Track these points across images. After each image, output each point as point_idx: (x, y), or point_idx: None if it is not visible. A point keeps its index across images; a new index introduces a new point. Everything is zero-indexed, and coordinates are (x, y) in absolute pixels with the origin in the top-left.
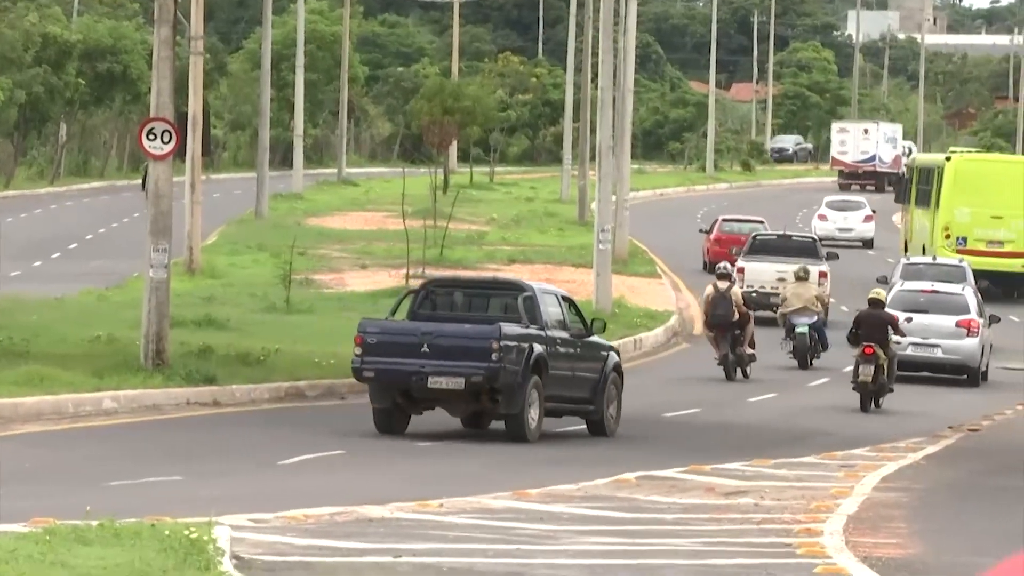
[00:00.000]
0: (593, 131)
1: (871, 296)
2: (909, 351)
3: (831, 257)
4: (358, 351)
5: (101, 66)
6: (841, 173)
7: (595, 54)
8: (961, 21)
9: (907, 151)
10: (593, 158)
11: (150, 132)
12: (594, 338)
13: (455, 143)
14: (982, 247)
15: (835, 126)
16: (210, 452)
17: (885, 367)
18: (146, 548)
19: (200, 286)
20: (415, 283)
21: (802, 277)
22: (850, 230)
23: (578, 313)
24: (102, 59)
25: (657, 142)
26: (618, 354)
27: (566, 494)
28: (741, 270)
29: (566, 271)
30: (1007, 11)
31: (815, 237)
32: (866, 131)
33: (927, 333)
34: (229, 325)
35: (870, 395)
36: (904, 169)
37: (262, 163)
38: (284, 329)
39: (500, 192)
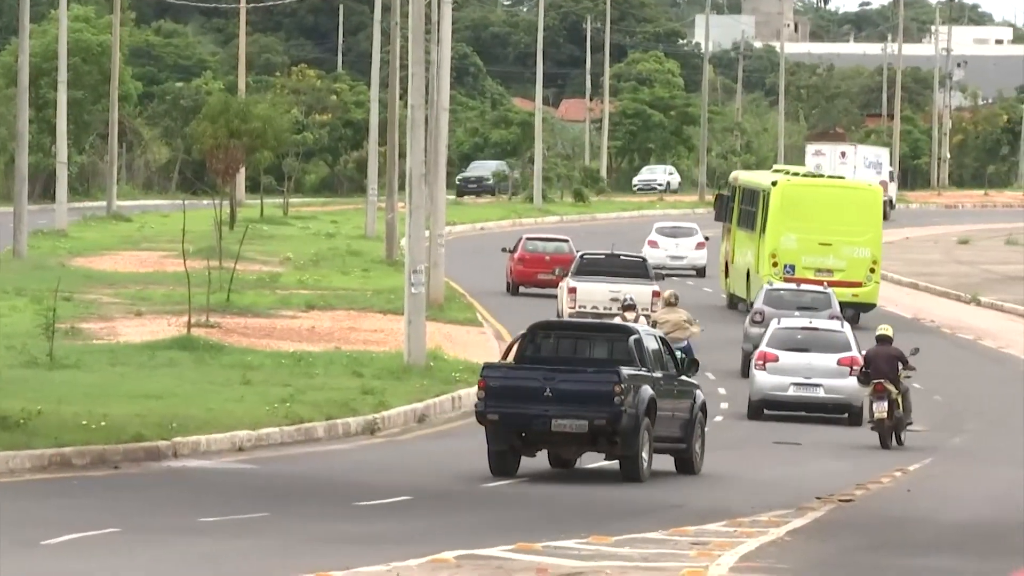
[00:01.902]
0: (402, 156)
1: (879, 333)
2: (790, 391)
3: (659, 277)
4: (481, 395)
5: None
6: None
7: (404, 67)
8: (826, 27)
9: (892, 177)
10: (403, 187)
11: None
12: (683, 376)
13: (243, 171)
14: (810, 275)
15: (810, 148)
16: None
17: (899, 402)
18: None
19: None
20: (198, 332)
21: (672, 303)
22: (682, 258)
23: (670, 353)
24: None
25: None
26: (702, 391)
27: None
28: (573, 290)
29: (372, 318)
30: (878, 15)
31: (644, 256)
32: (843, 154)
33: (809, 372)
34: None
35: (889, 432)
36: (731, 186)
37: (20, 195)
38: (47, 387)
39: (296, 227)
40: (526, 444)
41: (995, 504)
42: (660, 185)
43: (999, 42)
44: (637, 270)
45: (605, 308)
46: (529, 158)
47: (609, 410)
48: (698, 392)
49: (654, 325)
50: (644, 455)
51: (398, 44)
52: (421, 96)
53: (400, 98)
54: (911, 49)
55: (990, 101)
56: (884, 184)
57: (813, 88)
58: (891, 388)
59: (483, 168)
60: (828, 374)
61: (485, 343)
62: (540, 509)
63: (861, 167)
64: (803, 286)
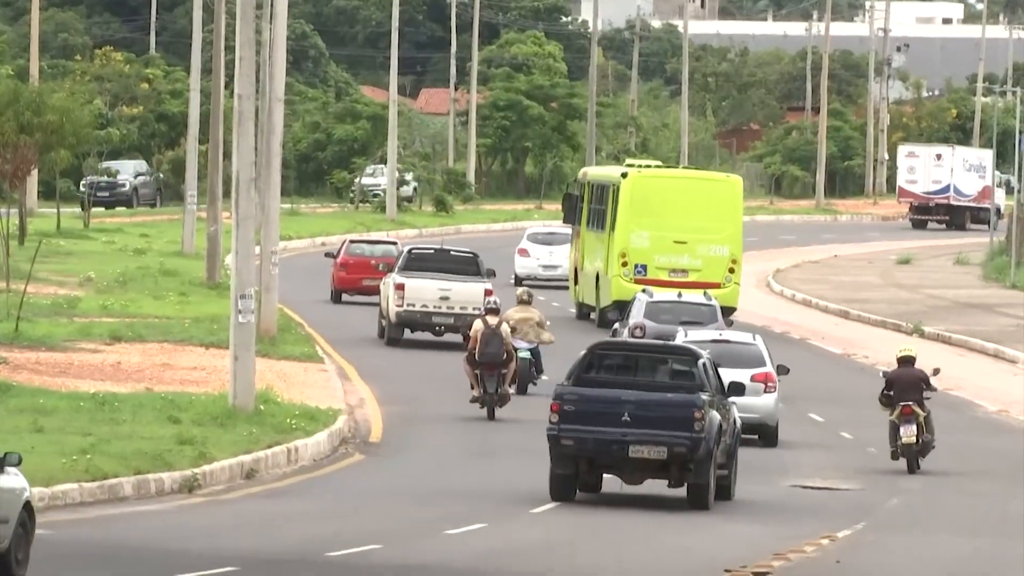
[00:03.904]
0: (228, 156)
1: (901, 355)
2: None
3: (491, 274)
4: (554, 418)
5: None
6: (912, 207)
7: (230, 49)
8: (738, 3)
9: (1006, 184)
10: (228, 194)
11: None
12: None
13: (35, 173)
14: (664, 276)
15: (903, 150)
16: None
17: (924, 424)
18: None
19: None
20: None
21: (525, 301)
22: (556, 267)
23: (717, 375)
24: None
25: (317, 171)
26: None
27: None
28: (401, 286)
29: (191, 353)
30: None
31: (475, 252)
32: (939, 156)
33: None
34: None
35: (915, 456)
36: (579, 184)
37: None
38: None
39: (99, 242)
40: (592, 469)
41: None
42: (384, 191)
43: (947, 22)
44: (468, 267)
45: (435, 307)
46: (381, 158)
47: (689, 436)
48: (737, 416)
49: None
50: (712, 483)
51: (223, 21)
52: (251, 84)
53: (225, 87)
54: (841, 29)
55: (936, 92)
56: (987, 189)
57: (723, 76)
58: (918, 411)
59: (125, 168)
60: None
61: (327, 382)
62: None
63: (960, 171)
64: (685, 297)
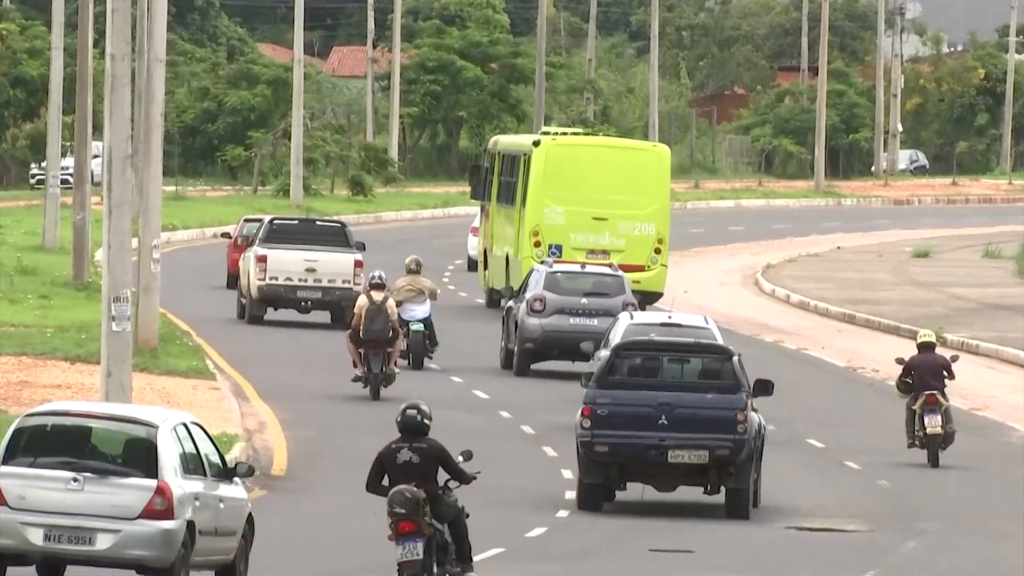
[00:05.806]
0: (98, 129)
1: (922, 340)
2: None
3: (360, 247)
4: (586, 423)
5: None
6: None
7: (100, 0)
8: None
9: None
10: (98, 177)
11: None
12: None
13: None
14: (581, 257)
15: None
16: None
17: (945, 415)
18: None
19: None
20: None
21: (413, 270)
22: None
23: (745, 372)
24: None
25: (208, 147)
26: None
27: None
28: (263, 258)
29: (54, 368)
30: None
31: (344, 222)
32: None
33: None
34: None
35: (938, 448)
36: (490, 155)
37: None
38: None
39: None
40: (624, 476)
41: None
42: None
43: None
44: (336, 237)
45: (300, 279)
46: (284, 132)
47: (732, 438)
48: (760, 416)
49: (396, 294)
50: (751, 488)
51: None
52: (126, 42)
53: (95, 45)
54: None
55: (960, 48)
56: None
57: (700, 30)
58: (942, 400)
59: None
60: None
61: (219, 403)
62: None
63: None
64: (589, 268)
